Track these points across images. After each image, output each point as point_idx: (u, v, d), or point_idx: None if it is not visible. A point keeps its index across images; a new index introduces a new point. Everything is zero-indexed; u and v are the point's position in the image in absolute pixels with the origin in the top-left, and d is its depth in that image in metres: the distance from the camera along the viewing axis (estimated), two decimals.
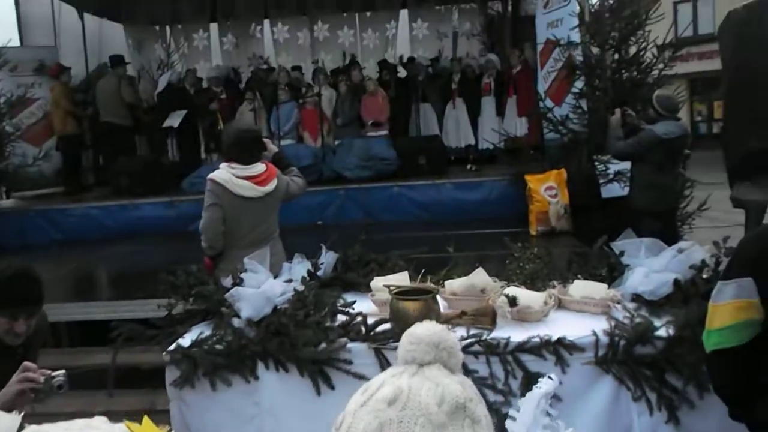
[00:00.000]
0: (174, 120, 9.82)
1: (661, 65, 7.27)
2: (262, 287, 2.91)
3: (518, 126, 9.78)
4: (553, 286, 3.23)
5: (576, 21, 7.38)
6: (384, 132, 10.05)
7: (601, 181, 6.97)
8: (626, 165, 6.22)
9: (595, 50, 7.42)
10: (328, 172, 9.07)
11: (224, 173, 3.84)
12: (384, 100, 10.14)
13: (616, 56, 7.34)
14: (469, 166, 9.92)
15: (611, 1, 7.50)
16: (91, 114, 10.74)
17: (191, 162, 9.93)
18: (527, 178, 7.15)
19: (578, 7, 7.40)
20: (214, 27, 12.89)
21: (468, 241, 6.57)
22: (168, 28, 13.05)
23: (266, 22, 12.75)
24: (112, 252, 7.89)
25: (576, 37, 7.38)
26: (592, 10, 7.62)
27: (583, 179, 7.03)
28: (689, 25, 20.78)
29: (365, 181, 8.72)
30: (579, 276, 3.26)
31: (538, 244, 6.41)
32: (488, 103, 10.43)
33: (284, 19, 12.74)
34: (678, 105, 5.84)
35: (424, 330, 1.12)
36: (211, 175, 3.88)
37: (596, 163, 7.02)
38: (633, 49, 7.34)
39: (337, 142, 9.92)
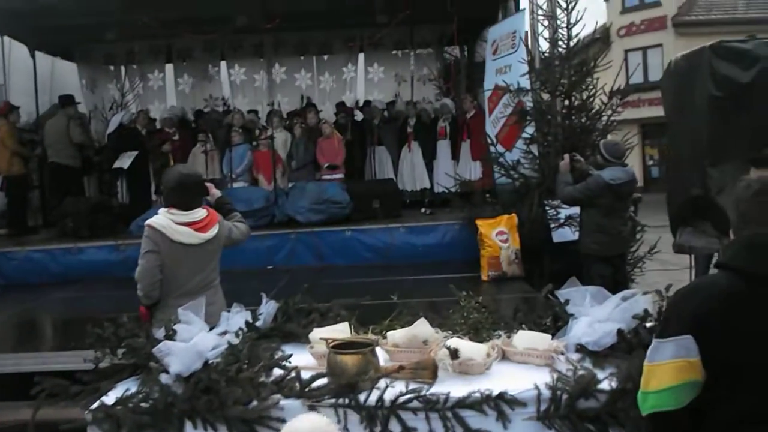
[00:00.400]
0: (124, 161, 9.62)
1: (609, 111, 7.38)
2: (193, 340, 2.77)
3: (472, 170, 9.81)
4: (498, 336, 3.16)
5: (525, 67, 7.48)
6: (340, 175, 9.98)
7: (552, 225, 6.99)
8: (577, 210, 6.26)
9: (545, 96, 7.50)
10: (280, 216, 8.91)
11: (163, 219, 3.71)
12: (340, 143, 10.11)
13: (566, 102, 7.43)
14: (423, 210, 9.89)
15: (561, 49, 7.61)
16: (39, 154, 10.48)
17: (141, 204, 9.64)
18: (478, 223, 7.10)
19: (528, 54, 7.50)
20: (169, 68, 12.80)
21: (419, 287, 6.50)
22: (123, 68, 12.90)
23: (223, 63, 12.74)
24: (55, 297, 7.56)
25: (525, 83, 7.48)
26: (543, 57, 7.72)
27: (534, 224, 7.03)
28: (636, 68, 21.60)
29: (317, 225, 8.56)
30: (524, 325, 3.22)
31: (489, 289, 6.42)
32: (443, 147, 10.45)
33: (241, 61, 12.73)
34: (624, 151, 5.94)
35: (307, 424, 1.02)
36: (148, 221, 3.75)
37: (547, 208, 7.04)
38: (583, 95, 7.45)
39: (290, 185, 9.80)
